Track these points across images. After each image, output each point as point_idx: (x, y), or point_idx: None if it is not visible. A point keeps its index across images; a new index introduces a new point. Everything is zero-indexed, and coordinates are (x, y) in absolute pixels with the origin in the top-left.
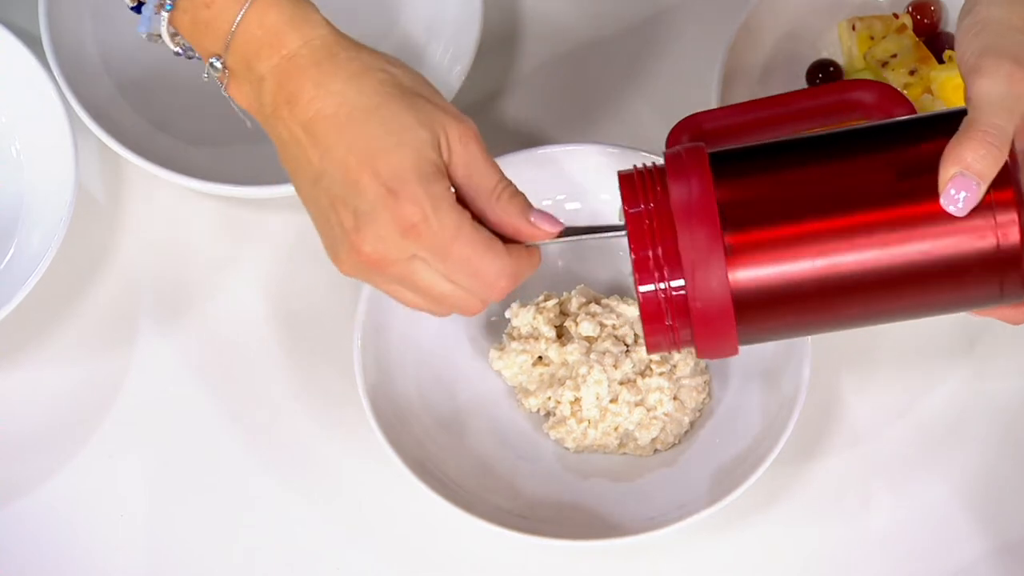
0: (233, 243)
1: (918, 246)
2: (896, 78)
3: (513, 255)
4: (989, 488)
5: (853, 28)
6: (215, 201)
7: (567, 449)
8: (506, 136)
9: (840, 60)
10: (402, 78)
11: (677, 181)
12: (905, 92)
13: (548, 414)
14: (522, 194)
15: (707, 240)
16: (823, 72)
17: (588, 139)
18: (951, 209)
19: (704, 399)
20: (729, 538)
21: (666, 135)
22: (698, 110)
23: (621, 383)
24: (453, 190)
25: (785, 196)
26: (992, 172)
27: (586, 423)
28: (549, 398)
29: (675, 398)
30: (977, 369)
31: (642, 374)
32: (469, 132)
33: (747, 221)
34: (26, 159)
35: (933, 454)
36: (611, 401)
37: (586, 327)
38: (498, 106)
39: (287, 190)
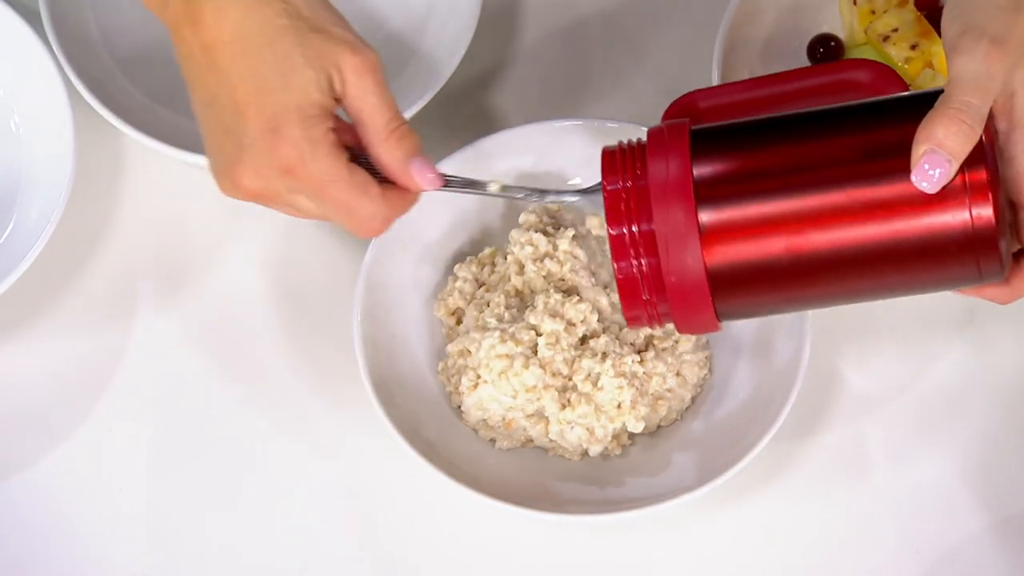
0: (232, 218)
1: (893, 225)
2: (897, 52)
3: (387, 199)
4: (989, 462)
5: (854, 2)
6: None
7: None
8: (505, 111)
9: (841, 35)
10: (302, 8)
11: (655, 158)
12: (906, 67)
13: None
14: (413, 136)
15: (682, 217)
16: (824, 47)
17: (587, 114)
18: (923, 186)
19: (705, 375)
20: (729, 514)
21: (665, 108)
22: (698, 85)
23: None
24: (333, 130)
25: (761, 174)
26: (964, 150)
27: (604, 416)
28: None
29: (678, 374)
30: (977, 343)
31: (642, 357)
32: (366, 65)
33: (723, 198)
34: (25, 134)
35: (933, 429)
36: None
37: (549, 325)
38: (497, 81)
39: None
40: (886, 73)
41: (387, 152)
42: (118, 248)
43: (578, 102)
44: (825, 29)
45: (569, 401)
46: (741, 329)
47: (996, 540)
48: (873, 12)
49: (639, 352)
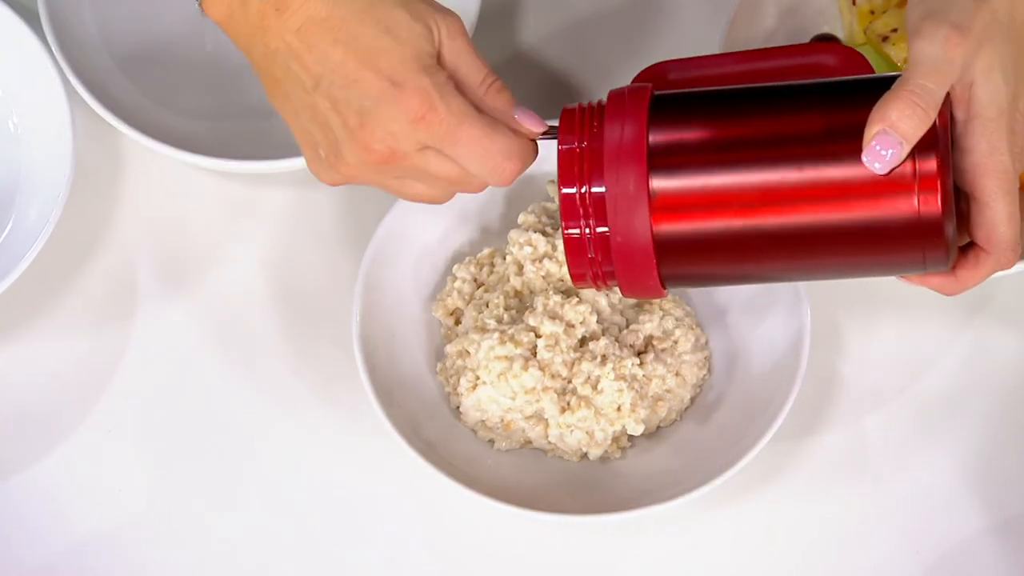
0: (231, 218)
1: (841, 206)
2: (897, 52)
3: (518, 136)
4: (989, 462)
5: (854, 3)
6: (213, 176)
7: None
8: None
9: (841, 35)
10: None
11: (612, 120)
12: (905, 67)
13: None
14: (508, 90)
15: (632, 181)
16: None
17: None
18: (875, 167)
19: (704, 375)
20: (729, 514)
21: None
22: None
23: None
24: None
25: (716, 146)
26: (916, 133)
27: (604, 419)
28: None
29: (677, 374)
30: (977, 343)
31: (641, 360)
32: (456, 26)
33: (676, 167)
34: (24, 134)
35: (933, 429)
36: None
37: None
38: None
39: (286, 165)
40: (855, 59)
41: (491, 101)
42: (117, 248)
43: (578, 101)
44: (825, 29)
45: (569, 404)
46: (740, 329)
47: (996, 540)
48: (872, 12)
49: (639, 354)
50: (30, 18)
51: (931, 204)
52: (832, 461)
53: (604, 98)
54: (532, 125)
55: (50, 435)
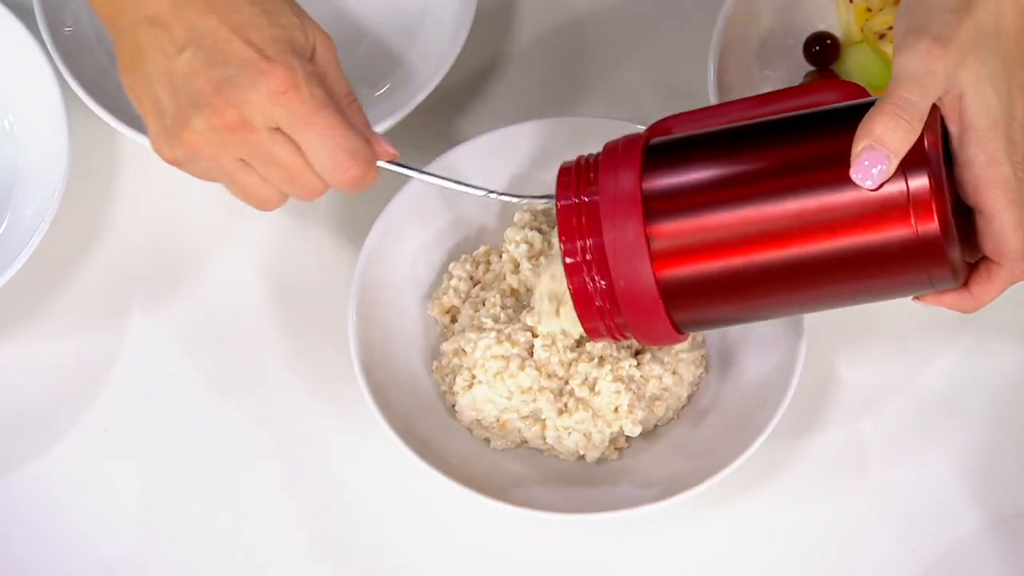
0: (227, 217)
1: (840, 234)
2: (892, 50)
3: (369, 144)
4: (986, 462)
5: (851, 0)
6: None
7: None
8: (501, 109)
9: (837, 32)
10: None
11: (607, 172)
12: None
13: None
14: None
15: (630, 230)
16: (820, 45)
17: (583, 112)
18: (865, 184)
19: (701, 373)
20: (726, 513)
21: (661, 106)
22: (695, 83)
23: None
24: None
25: (709, 186)
26: (902, 145)
27: (601, 421)
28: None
29: (674, 373)
30: (974, 343)
31: (639, 360)
32: (330, 42)
33: (671, 211)
34: (19, 132)
35: (930, 428)
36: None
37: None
38: (493, 79)
39: None
40: (857, 93)
41: (353, 115)
42: (113, 246)
43: (574, 100)
44: (821, 27)
45: (566, 406)
46: (737, 328)
47: (993, 539)
48: (869, 10)
49: (636, 355)
50: (25, 16)
51: (927, 222)
52: (830, 460)
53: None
54: (388, 146)
55: (47, 433)
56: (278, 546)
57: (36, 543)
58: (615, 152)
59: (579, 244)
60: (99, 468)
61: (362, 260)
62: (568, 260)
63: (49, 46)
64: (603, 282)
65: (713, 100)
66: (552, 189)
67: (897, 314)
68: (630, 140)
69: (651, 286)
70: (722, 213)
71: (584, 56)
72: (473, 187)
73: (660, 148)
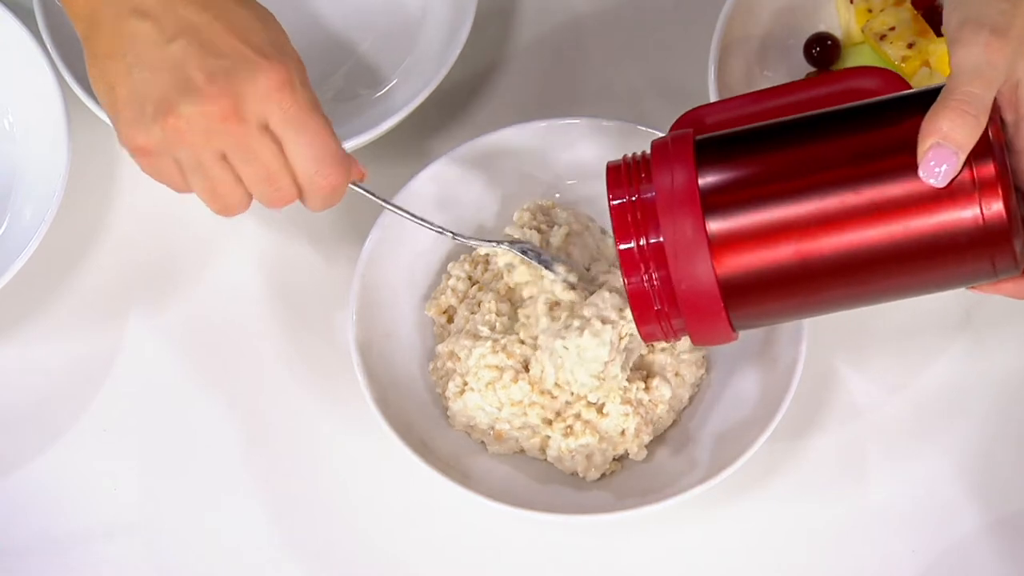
0: (227, 218)
1: (903, 224)
2: (894, 51)
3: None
4: (986, 462)
5: (851, 1)
6: None
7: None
8: (501, 110)
9: (838, 33)
10: None
11: (660, 170)
12: (903, 66)
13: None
14: None
15: (690, 227)
16: (820, 46)
17: (583, 113)
18: (932, 181)
19: (702, 374)
20: (727, 513)
21: (661, 107)
22: (695, 83)
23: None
24: None
25: (768, 179)
26: (970, 141)
27: (598, 437)
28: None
29: (676, 374)
30: (974, 343)
31: (647, 383)
32: (302, 65)
33: (730, 206)
34: (19, 133)
35: (930, 428)
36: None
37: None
38: (493, 80)
39: None
40: (893, 79)
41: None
42: (112, 247)
43: (575, 101)
44: (821, 28)
45: (572, 429)
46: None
47: (993, 540)
48: (870, 11)
49: (645, 379)
50: (26, 17)
51: (995, 210)
52: (830, 460)
53: (647, 149)
54: (359, 166)
55: (46, 433)
56: (278, 546)
57: (36, 542)
58: (666, 149)
59: (636, 243)
60: (98, 467)
61: (362, 259)
62: (625, 258)
63: (49, 46)
64: (660, 279)
65: (713, 100)
66: (545, 197)
67: (897, 314)
68: (679, 137)
69: (711, 282)
70: (784, 206)
71: (584, 56)
72: (431, 225)
73: (710, 143)
